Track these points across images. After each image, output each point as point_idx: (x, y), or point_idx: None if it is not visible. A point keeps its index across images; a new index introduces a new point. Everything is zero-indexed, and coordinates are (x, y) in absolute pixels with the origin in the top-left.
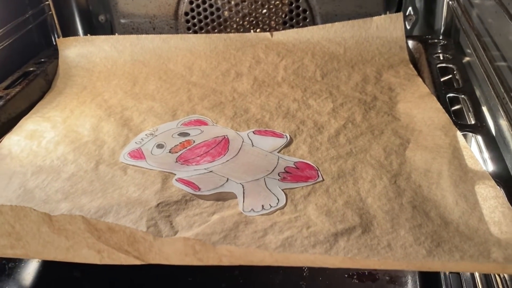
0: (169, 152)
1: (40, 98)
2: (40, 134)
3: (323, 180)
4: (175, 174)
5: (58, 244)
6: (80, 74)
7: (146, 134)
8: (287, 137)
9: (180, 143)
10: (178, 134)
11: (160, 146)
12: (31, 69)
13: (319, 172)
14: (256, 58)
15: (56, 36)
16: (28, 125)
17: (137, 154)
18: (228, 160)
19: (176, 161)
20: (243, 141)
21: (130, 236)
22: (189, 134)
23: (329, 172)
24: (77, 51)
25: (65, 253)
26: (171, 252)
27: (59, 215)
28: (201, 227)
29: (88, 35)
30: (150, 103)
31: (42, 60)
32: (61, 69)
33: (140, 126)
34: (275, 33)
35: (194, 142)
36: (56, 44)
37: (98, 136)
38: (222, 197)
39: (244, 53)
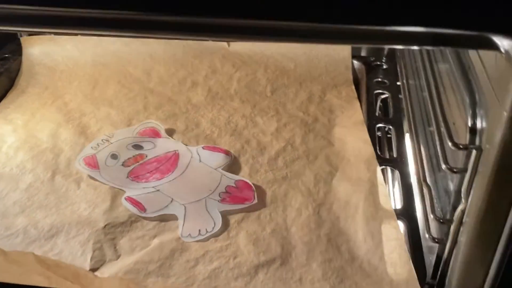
0: (122, 165)
1: (3, 97)
2: (2, 138)
3: (257, 203)
4: (125, 192)
5: (12, 271)
6: (42, 72)
7: (102, 140)
8: (231, 156)
9: (133, 156)
10: (132, 146)
11: (114, 156)
12: None
13: (255, 193)
14: (213, 67)
15: None
16: None
17: (92, 162)
18: (175, 178)
19: (128, 177)
20: (191, 156)
21: (75, 273)
22: (143, 148)
23: (264, 197)
24: (41, 49)
25: (18, 278)
26: None
27: (13, 251)
28: (141, 252)
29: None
30: (108, 110)
31: (6, 55)
32: (24, 66)
33: (96, 135)
34: (232, 43)
35: (146, 156)
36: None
37: (56, 144)
38: (164, 218)
39: (202, 61)
